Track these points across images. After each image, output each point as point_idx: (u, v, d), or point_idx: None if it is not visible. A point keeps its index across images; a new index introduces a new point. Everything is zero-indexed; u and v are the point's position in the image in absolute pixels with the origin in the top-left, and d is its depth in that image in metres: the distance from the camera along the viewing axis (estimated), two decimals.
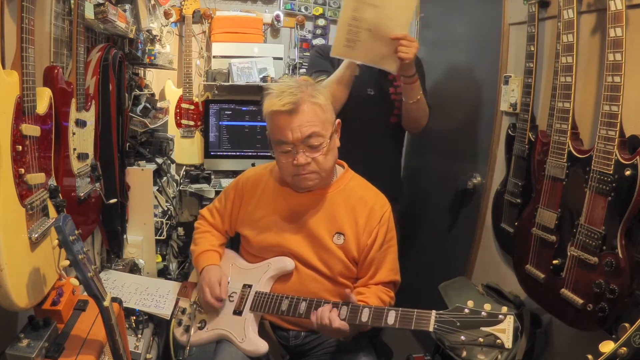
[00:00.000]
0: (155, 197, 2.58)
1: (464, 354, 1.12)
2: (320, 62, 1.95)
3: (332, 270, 1.41)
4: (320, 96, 1.35)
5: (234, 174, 3.10)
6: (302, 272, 1.43)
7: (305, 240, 1.43)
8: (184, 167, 3.13)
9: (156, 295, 2.04)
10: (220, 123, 3.08)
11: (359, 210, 1.42)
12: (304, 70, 3.22)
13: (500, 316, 1.06)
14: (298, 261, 1.43)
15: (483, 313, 1.08)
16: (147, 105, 2.47)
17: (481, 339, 1.06)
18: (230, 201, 1.57)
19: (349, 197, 1.44)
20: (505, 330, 1.05)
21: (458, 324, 1.09)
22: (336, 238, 1.42)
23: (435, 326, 1.11)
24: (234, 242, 1.67)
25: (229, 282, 1.49)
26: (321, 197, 1.44)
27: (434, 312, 1.14)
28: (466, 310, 1.10)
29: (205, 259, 1.52)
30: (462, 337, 1.08)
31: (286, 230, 1.45)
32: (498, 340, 1.04)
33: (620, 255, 1.21)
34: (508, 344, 1.04)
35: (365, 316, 1.22)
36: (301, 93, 1.32)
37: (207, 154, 3.10)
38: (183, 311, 1.52)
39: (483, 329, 1.06)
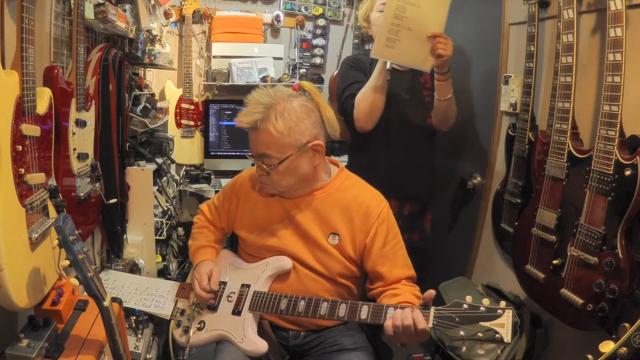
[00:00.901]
0: (155, 197, 2.58)
1: (464, 349, 1.12)
2: (353, 74, 1.97)
3: (330, 270, 1.41)
4: (280, 121, 1.30)
5: (234, 174, 3.07)
6: (300, 272, 1.43)
7: (301, 241, 1.43)
8: (184, 167, 3.13)
9: (156, 295, 2.04)
10: (220, 123, 3.08)
11: (353, 209, 1.41)
12: (304, 70, 3.23)
13: (499, 311, 1.07)
14: (296, 262, 1.43)
15: (482, 308, 1.08)
16: (147, 105, 2.46)
17: (480, 334, 1.06)
18: (228, 200, 1.58)
19: (343, 197, 1.43)
20: (504, 324, 1.05)
21: (457, 319, 1.09)
22: (331, 238, 1.41)
23: (435, 322, 1.11)
24: (233, 243, 1.67)
25: (227, 282, 1.49)
26: (314, 199, 1.44)
27: (433, 308, 1.14)
28: (465, 306, 1.10)
29: (200, 254, 1.55)
30: (461, 332, 1.08)
31: (282, 232, 1.45)
32: (497, 335, 1.04)
33: (620, 255, 1.21)
34: (507, 338, 1.04)
35: (364, 313, 1.23)
36: (261, 114, 1.31)
37: (207, 154, 3.10)
38: (182, 312, 1.52)
39: (482, 323, 1.06)
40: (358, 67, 1.98)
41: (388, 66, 1.81)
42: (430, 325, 1.12)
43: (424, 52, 1.71)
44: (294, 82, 3.12)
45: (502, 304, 1.09)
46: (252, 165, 1.42)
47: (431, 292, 1.17)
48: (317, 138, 1.36)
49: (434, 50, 1.69)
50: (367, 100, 1.83)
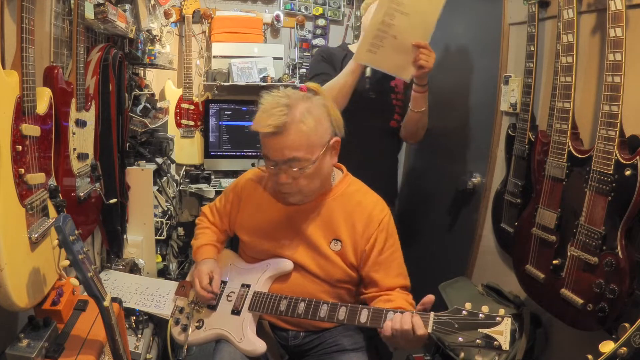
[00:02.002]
0: (155, 197, 2.58)
1: (462, 355, 1.12)
2: (322, 66, 1.96)
3: (330, 276, 1.40)
4: (309, 118, 1.26)
5: (234, 174, 3.10)
6: (301, 274, 1.42)
7: (303, 246, 1.42)
8: (184, 167, 3.13)
9: (156, 295, 2.05)
10: (220, 123, 3.08)
11: (356, 216, 1.40)
12: (304, 70, 3.23)
13: (497, 318, 1.07)
14: (296, 266, 1.42)
15: (481, 315, 1.08)
16: (147, 105, 2.47)
17: (479, 341, 1.06)
18: (229, 203, 1.57)
19: (347, 203, 1.42)
20: (503, 332, 1.05)
21: (456, 325, 1.09)
22: (333, 244, 1.40)
23: (434, 327, 1.12)
24: (234, 243, 1.67)
25: (227, 282, 1.49)
26: (318, 204, 1.42)
27: (432, 313, 1.14)
28: (464, 312, 1.10)
29: (201, 252, 1.54)
30: (460, 339, 1.08)
31: (283, 237, 1.44)
32: (495, 342, 1.05)
33: (620, 255, 1.21)
34: (505, 345, 1.04)
35: (364, 317, 1.22)
36: (287, 116, 1.25)
37: (207, 154, 3.10)
38: (181, 310, 1.51)
39: (481, 330, 1.07)
40: (329, 60, 1.97)
41: (368, 73, 1.80)
42: (430, 330, 1.12)
43: (406, 61, 1.69)
44: (294, 82, 3.12)
45: (501, 311, 1.09)
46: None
47: (430, 297, 1.17)
48: (335, 135, 1.35)
49: (416, 61, 1.68)
50: (330, 95, 1.81)
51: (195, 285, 1.44)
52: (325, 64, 1.97)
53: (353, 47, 1.99)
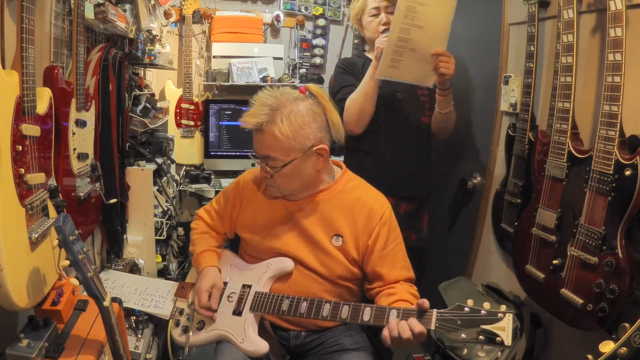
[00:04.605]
0: (155, 197, 2.58)
1: (465, 352, 1.13)
2: (345, 77, 1.99)
3: (332, 272, 1.41)
4: (287, 123, 1.29)
5: (234, 174, 3.10)
6: (302, 273, 1.43)
7: (304, 243, 1.43)
8: (184, 167, 3.13)
9: (156, 296, 2.04)
10: (220, 123, 3.08)
11: (357, 211, 1.41)
12: (304, 70, 3.23)
13: (499, 314, 1.08)
14: (298, 264, 1.43)
15: (483, 312, 1.09)
16: (147, 105, 2.46)
17: (481, 337, 1.07)
18: (231, 203, 1.57)
19: (347, 198, 1.43)
20: (505, 328, 1.06)
21: (459, 322, 1.10)
22: (334, 240, 1.41)
23: (437, 324, 1.12)
24: (234, 243, 1.67)
25: (227, 283, 1.49)
26: (318, 200, 1.43)
27: (435, 310, 1.14)
28: (466, 309, 1.11)
29: (203, 259, 1.53)
30: (463, 335, 1.09)
31: (285, 234, 1.45)
32: (498, 338, 1.06)
33: (620, 255, 1.21)
34: (508, 341, 1.05)
35: (367, 315, 1.23)
36: (267, 116, 1.29)
37: (207, 154, 3.10)
38: (181, 312, 1.51)
39: (483, 327, 1.08)
40: (350, 71, 2.00)
41: None
42: (433, 327, 1.13)
43: (427, 69, 1.73)
44: (294, 82, 3.13)
45: (503, 307, 1.10)
46: (252, 165, 1.42)
47: (425, 302, 1.16)
48: (322, 142, 1.36)
49: (437, 69, 1.71)
50: (357, 105, 1.84)
51: (195, 304, 1.44)
52: (348, 75, 1.99)
53: (370, 55, 2.00)
